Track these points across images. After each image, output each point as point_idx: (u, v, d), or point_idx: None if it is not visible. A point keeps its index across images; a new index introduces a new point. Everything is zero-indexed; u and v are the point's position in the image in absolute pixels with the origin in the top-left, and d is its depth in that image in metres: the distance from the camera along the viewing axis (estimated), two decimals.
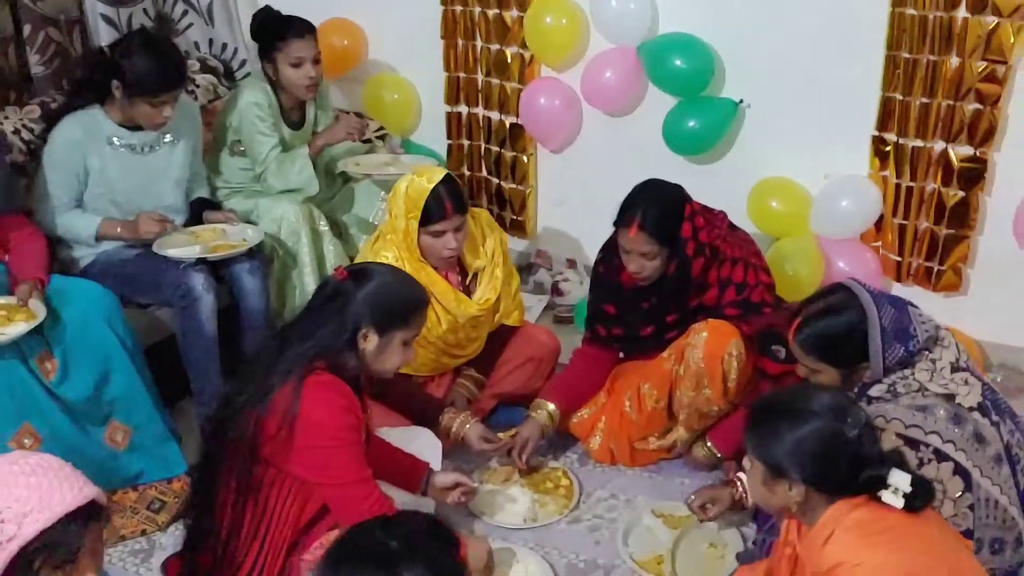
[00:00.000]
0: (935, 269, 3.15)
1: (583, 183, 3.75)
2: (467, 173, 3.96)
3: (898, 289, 3.24)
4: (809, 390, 1.87)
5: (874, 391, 2.11)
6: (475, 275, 2.86)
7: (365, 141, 3.38)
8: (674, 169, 3.46)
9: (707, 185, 3.41)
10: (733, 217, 3.26)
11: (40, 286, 2.53)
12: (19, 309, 2.46)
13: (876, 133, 3.14)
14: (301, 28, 3.19)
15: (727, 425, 2.73)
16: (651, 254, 2.56)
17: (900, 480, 1.68)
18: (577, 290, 3.75)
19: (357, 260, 2.89)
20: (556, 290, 3.78)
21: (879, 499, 1.69)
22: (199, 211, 3.13)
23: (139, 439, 2.64)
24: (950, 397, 2.06)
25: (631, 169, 3.56)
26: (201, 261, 2.86)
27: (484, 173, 3.92)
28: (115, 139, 2.87)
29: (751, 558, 2.38)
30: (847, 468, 1.71)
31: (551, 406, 2.78)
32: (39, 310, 2.45)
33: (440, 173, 2.68)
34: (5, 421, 2.42)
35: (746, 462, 1.87)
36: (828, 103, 3.20)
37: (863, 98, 3.12)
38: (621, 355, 2.91)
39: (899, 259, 3.21)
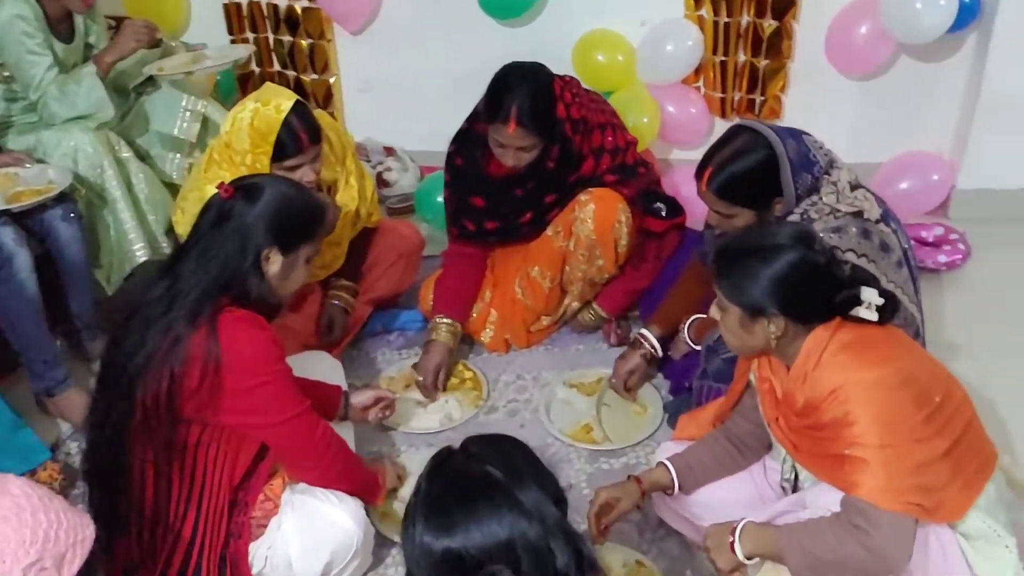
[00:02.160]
0: (757, 100, 3.28)
1: (389, 63, 3.52)
2: (257, 70, 3.59)
3: (721, 124, 3.35)
4: (770, 227, 1.87)
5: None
6: (328, 188, 2.61)
7: (155, 46, 2.91)
8: (488, 33, 3.36)
9: (528, 48, 3.30)
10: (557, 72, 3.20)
11: None
12: None
13: None
14: None
15: (610, 289, 2.75)
16: (530, 146, 2.43)
17: (872, 295, 1.74)
18: (403, 178, 3.57)
19: (185, 187, 2.53)
20: (381, 181, 3.57)
21: (851, 319, 1.75)
22: None
23: None
24: (858, 214, 2.15)
25: (441, 42, 3.43)
26: (4, 213, 2.39)
27: (278, 67, 3.58)
28: None
29: (677, 407, 2.45)
30: (822, 294, 1.75)
31: (447, 321, 2.65)
32: None
33: (289, 99, 2.34)
34: None
35: (714, 312, 1.85)
36: None
37: None
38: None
39: (723, 95, 3.31)
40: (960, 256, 3.02)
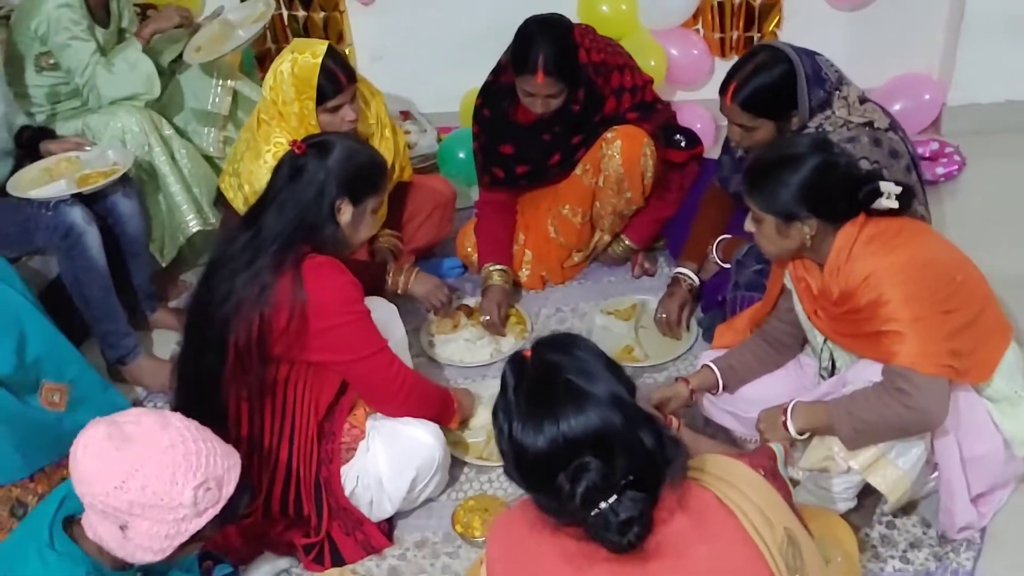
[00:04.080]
0: (754, 38, 3.45)
1: (401, 31, 3.66)
2: (273, 47, 3.73)
3: (722, 64, 3.52)
4: (791, 139, 2.06)
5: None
6: (366, 141, 2.77)
7: (190, 26, 3.04)
8: None
9: (533, 4, 3.46)
10: None
11: None
12: None
13: None
14: None
15: (637, 220, 2.93)
16: (558, 92, 2.59)
17: (890, 187, 1.93)
18: (422, 139, 3.72)
19: (243, 155, 2.69)
20: None
21: (874, 213, 1.94)
22: (32, 143, 2.74)
23: (77, 393, 2.41)
24: (868, 124, 2.34)
25: (449, 5, 3.57)
26: (75, 195, 2.55)
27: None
28: None
29: (714, 320, 2.63)
30: (847, 192, 1.93)
31: (499, 266, 2.83)
32: None
33: (322, 45, 2.52)
34: None
35: (749, 225, 2.02)
36: None
37: None
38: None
39: (721, 35, 3.48)
40: (956, 167, 3.22)
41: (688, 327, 2.72)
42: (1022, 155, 3.28)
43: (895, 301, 1.84)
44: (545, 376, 1.44)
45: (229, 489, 1.64)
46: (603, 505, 1.36)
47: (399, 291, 2.68)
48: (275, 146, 2.57)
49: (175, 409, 2.18)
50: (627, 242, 2.95)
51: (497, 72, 2.79)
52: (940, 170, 3.19)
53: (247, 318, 1.99)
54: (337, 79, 2.50)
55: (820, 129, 2.34)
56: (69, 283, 2.58)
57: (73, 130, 2.91)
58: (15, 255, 2.59)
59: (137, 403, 2.71)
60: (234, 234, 2.10)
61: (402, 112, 3.80)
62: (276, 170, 2.11)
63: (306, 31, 3.66)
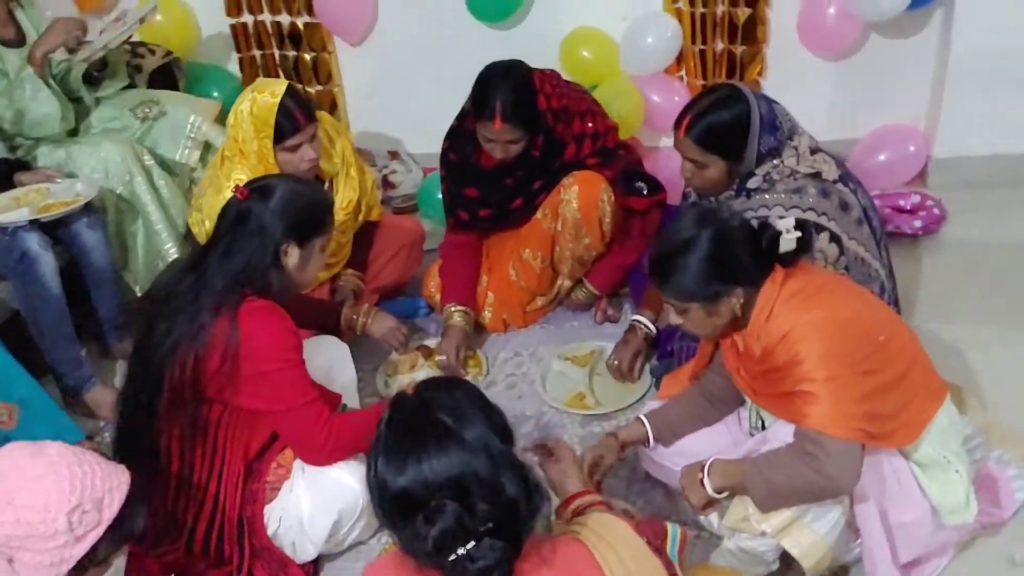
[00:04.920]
0: None
1: (389, 71, 3.72)
2: None
3: None
4: (675, 224, 1.96)
5: (752, 183, 2.32)
6: (330, 181, 2.80)
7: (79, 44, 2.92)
8: (479, 37, 3.54)
9: (518, 47, 3.47)
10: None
11: None
12: None
13: None
14: None
15: (599, 266, 2.91)
16: (516, 139, 2.60)
17: (786, 223, 1.88)
18: (407, 179, 3.75)
19: (206, 190, 2.73)
20: (386, 183, 3.76)
21: (788, 261, 1.89)
22: (6, 174, 2.81)
23: (27, 414, 2.43)
24: (817, 175, 2.31)
25: (437, 48, 3.62)
26: (33, 222, 2.61)
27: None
28: None
29: (664, 369, 2.60)
30: (750, 249, 1.89)
31: (460, 307, 2.81)
32: None
33: (281, 85, 2.56)
34: None
35: (674, 319, 1.97)
36: None
37: None
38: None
39: (704, 82, 3.46)
40: (935, 221, 3.15)
41: (640, 375, 2.68)
42: (1006, 209, 3.20)
43: (811, 359, 1.80)
44: (417, 413, 1.45)
45: (112, 510, 1.63)
46: (460, 551, 1.35)
47: (357, 331, 2.68)
48: (235, 182, 2.59)
49: (113, 441, 2.24)
50: (589, 287, 2.93)
51: (461, 117, 2.81)
52: (919, 223, 3.13)
53: (183, 357, 2.00)
54: (295, 118, 2.53)
55: (767, 177, 2.31)
56: (23, 309, 2.63)
57: (56, 160, 2.96)
58: None
59: (95, 432, 2.74)
60: (179, 275, 2.12)
61: (390, 151, 3.84)
62: (221, 215, 2.12)
63: (296, 70, 3.73)
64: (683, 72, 3.52)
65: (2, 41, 2.90)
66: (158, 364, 2.02)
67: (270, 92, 2.54)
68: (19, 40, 2.94)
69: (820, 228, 2.27)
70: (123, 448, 2.15)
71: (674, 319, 1.98)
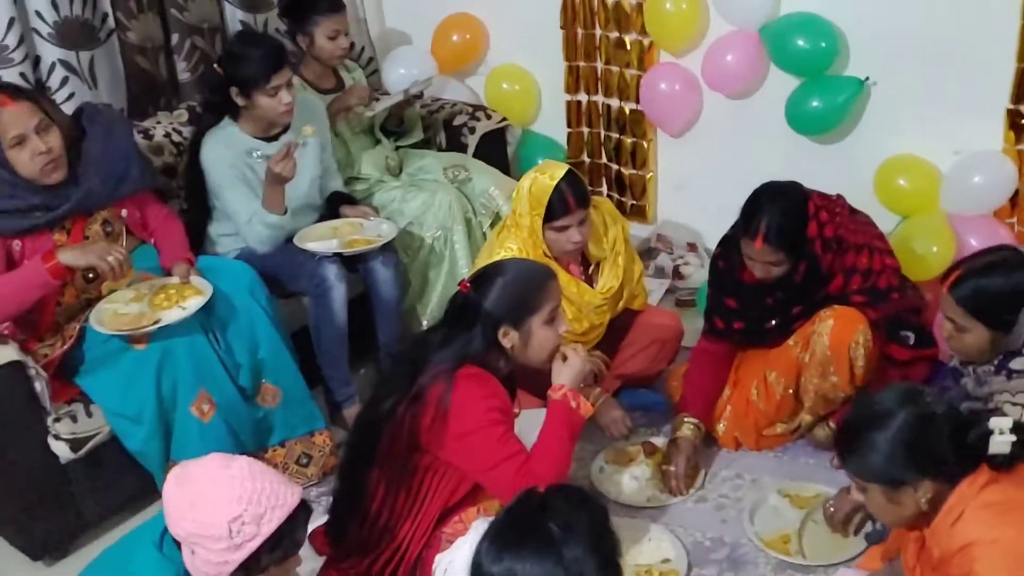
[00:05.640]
0: None
1: (703, 167, 3.75)
2: (587, 160, 4.02)
3: None
4: (875, 395, 1.84)
5: (1016, 364, 2.09)
6: (597, 264, 2.92)
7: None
8: (797, 150, 3.47)
9: (832, 165, 3.41)
10: (859, 196, 3.23)
11: (190, 264, 2.77)
12: (185, 286, 2.67)
13: (1011, 106, 3.03)
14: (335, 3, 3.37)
15: (846, 410, 2.71)
16: (777, 261, 2.55)
17: (1002, 423, 1.67)
18: (698, 273, 3.76)
19: (483, 251, 2.99)
20: (677, 274, 3.80)
21: (1000, 464, 1.68)
22: (337, 205, 3.28)
23: (287, 397, 2.81)
24: None
25: (753, 152, 3.60)
26: (336, 254, 3.01)
27: (604, 160, 3.98)
28: (255, 152, 3.02)
29: (879, 537, 2.38)
30: (953, 443, 1.70)
31: (692, 420, 2.78)
32: (205, 285, 2.67)
33: (561, 169, 2.72)
34: (187, 388, 2.62)
35: (856, 495, 1.85)
36: (958, 76, 3.11)
37: (996, 69, 3.03)
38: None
39: None
40: None
41: (857, 533, 2.47)
42: None
43: None
44: (533, 512, 1.52)
45: (271, 526, 1.81)
46: None
47: None
48: (506, 250, 2.82)
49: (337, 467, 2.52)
50: (831, 428, 2.75)
51: (736, 226, 2.79)
52: None
53: (403, 411, 2.23)
54: (566, 201, 2.69)
55: None
56: (312, 325, 3.02)
57: (388, 199, 3.40)
58: (285, 290, 3.08)
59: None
60: (411, 348, 2.42)
61: (688, 243, 3.88)
62: (451, 300, 2.34)
63: (617, 152, 3.90)
64: (1015, 219, 3.17)
65: (322, 89, 3.44)
66: (377, 420, 2.27)
67: (550, 175, 2.72)
68: (338, 90, 3.48)
69: None
70: (343, 472, 2.41)
71: (855, 495, 1.84)
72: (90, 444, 2.60)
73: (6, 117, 2.49)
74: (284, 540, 1.88)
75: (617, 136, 3.87)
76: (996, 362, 2.12)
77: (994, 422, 1.70)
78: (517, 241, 2.81)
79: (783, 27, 3.28)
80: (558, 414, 2.29)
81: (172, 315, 2.56)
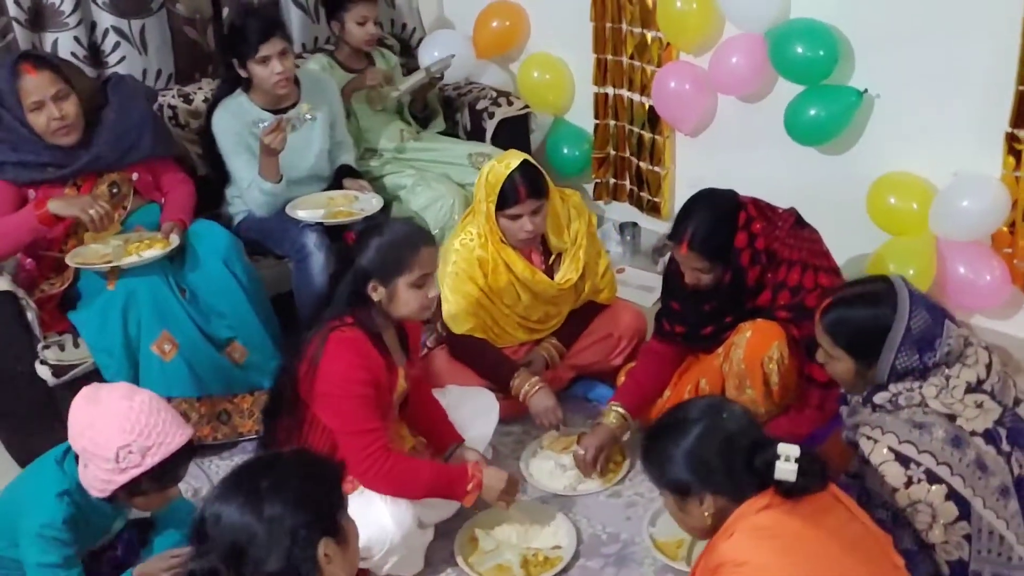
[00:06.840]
0: None
1: (719, 167, 3.71)
2: (612, 153, 4.05)
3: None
4: (687, 403, 1.86)
5: (878, 398, 2.05)
6: (559, 255, 2.99)
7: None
8: (798, 158, 3.42)
9: (827, 174, 3.33)
10: (851, 211, 3.16)
11: (182, 225, 3.02)
12: (156, 240, 2.93)
13: (1010, 130, 2.87)
14: None
15: (771, 427, 2.66)
16: (703, 268, 2.56)
17: (789, 450, 1.67)
18: None
19: (454, 232, 3.11)
20: None
21: (789, 499, 1.68)
22: (339, 176, 3.47)
23: (253, 358, 3.01)
24: (952, 418, 1.96)
25: (764, 155, 3.56)
26: (319, 224, 3.20)
27: (628, 154, 4.00)
28: (261, 123, 3.21)
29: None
30: (741, 463, 1.71)
31: (622, 410, 2.80)
32: (174, 241, 2.92)
33: (518, 158, 2.80)
34: (149, 328, 2.86)
35: (664, 500, 1.89)
36: (962, 96, 2.99)
37: (998, 92, 2.88)
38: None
39: None
40: None
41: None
42: None
43: None
44: (259, 464, 1.69)
45: (153, 460, 2.04)
46: None
47: (520, 399, 2.86)
48: (465, 234, 2.95)
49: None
50: None
51: None
52: None
53: (289, 365, 2.42)
54: (517, 190, 2.77)
55: (894, 399, 2.03)
56: (294, 287, 3.23)
57: (394, 183, 3.59)
58: (274, 252, 3.30)
59: None
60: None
61: None
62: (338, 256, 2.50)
63: (639, 148, 3.91)
64: (1012, 248, 3.00)
65: (352, 71, 3.64)
66: (284, 369, 2.46)
67: (506, 163, 2.81)
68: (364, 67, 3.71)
69: (935, 479, 1.93)
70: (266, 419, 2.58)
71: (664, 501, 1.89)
72: (72, 372, 2.89)
73: (28, 84, 2.82)
74: (166, 474, 2.11)
75: (639, 131, 3.89)
76: (865, 392, 2.07)
77: (781, 448, 1.70)
78: (475, 226, 2.92)
79: (784, 33, 3.22)
80: (455, 478, 2.41)
81: (128, 260, 2.83)
